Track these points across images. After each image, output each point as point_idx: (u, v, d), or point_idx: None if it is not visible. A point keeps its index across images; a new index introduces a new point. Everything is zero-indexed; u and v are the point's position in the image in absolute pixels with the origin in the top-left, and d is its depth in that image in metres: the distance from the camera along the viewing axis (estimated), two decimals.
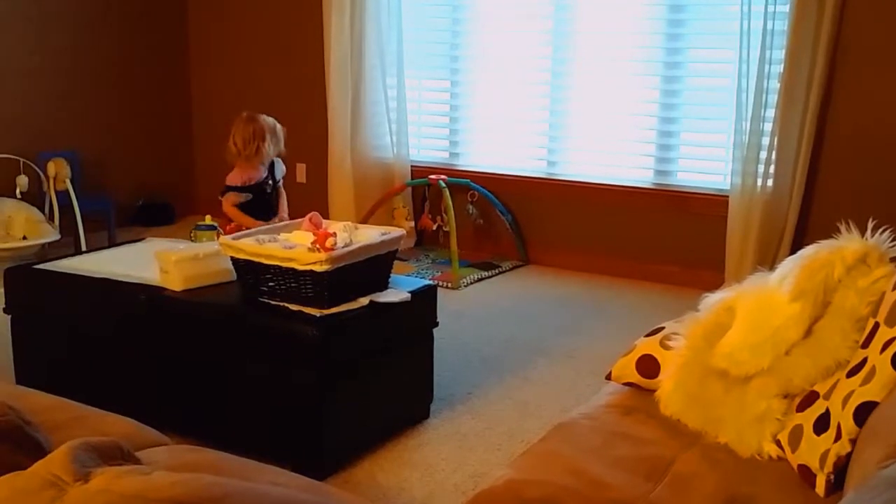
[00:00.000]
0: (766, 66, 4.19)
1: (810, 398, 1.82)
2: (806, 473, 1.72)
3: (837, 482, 1.65)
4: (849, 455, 1.63)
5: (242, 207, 3.52)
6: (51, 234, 4.75)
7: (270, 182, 3.60)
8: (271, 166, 3.62)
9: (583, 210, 4.91)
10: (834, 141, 4.24)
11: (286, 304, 2.62)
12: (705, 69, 4.69)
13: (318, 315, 2.55)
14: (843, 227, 1.95)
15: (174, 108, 5.99)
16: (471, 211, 5.09)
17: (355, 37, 5.15)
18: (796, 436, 1.78)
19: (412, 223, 5.29)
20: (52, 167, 4.91)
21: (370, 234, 2.80)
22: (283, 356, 2.59)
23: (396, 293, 2.78)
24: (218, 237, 3.10)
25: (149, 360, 2.84)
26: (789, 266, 1.97)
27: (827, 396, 1.77)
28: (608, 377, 2.25)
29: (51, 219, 4.90)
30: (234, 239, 2.71)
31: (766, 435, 1.85)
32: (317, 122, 5.31)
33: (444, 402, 3.15)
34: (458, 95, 5.34)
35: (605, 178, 4.86)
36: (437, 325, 3.01)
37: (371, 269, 2.72)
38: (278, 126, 3.57)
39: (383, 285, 2.80)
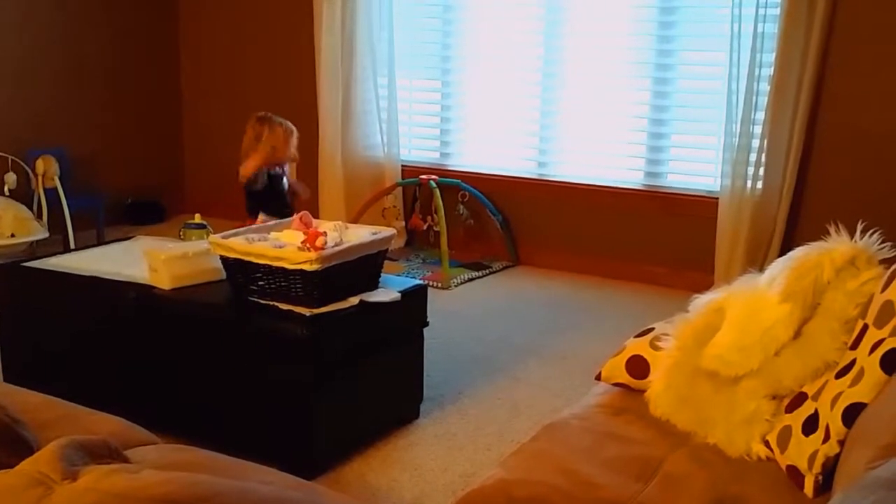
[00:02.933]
0: (757, 69, 4.21)
1: (799, 399, 1.83)
2: (794, 474, 1.73)
3: (826, 483, 1.66)
4: (837, 456, 1.64)
5: (262, 205, 3.47)
6: (39, 232, 4.72)
7: (285, 180, 3.58)
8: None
9: (573, 211, 4.92)
10: (823, 143, 4.26)
11: (276, 304, 2.61)
12: (696, 71, 4.71)
13: (307, 314, 2.54)
14: (832, 230, 1.96)
15: (164, 106, 5.97)
16: (461, 211, 5.09)
17: (346, 36, 5.15)
18: (785, 437, 1.79)
19: (402, 223, 5.29)
20: (40, 164, 4.89)
21: (360, 234, 2.79)
22: (272, 355, 2.58)
23: (386, 293, 2.77)
24: (207, 236, 3.09)
25: (137, 358, 2.83)
26: (779, 268, 1.97)
27: (816, 397, 1.78)
28: (598, 377, 2.26)
29: (39, 216, 4.87)
30: (223, 238, 2.71)
31: (755, 436, 1.85)
32: (307, 121, 5.30)
33: (434, 403, 3.15)
34: (449, 96, 5.34)
35: (595, 179, 4.87)
36: (427, 324, 3.00)
37: (361, 268, 2.71)
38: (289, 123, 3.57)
39: (373, 285, 2.79)
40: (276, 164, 3.51)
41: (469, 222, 5.13)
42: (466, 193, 5.07)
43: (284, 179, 3.58)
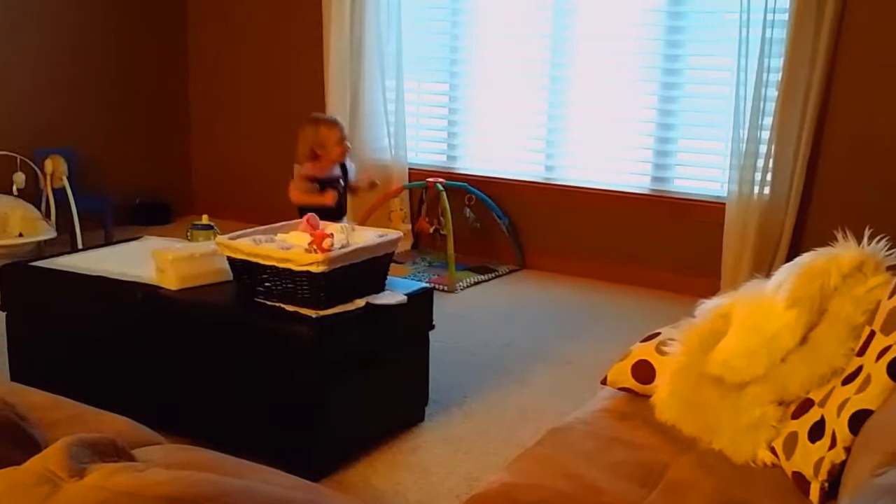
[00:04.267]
0: (765, 74, 4.20)
1: (805, 405, 1.82)
2: (800, 481, 1.72)
3: (832, 490, 1.66)
4: (843, 463, 1.63)
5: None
6: (47, 232, 4.74)
7: (342, 182, 3.61)
8: (344, 167, 3.63)
9: (580, 215, 4.92)
10: (831, 149, 4.25)
11: (282, 305, 2.61)
12: (704, 76, 4.70)
13: (314, 316, 2.55)
14: (839, 236, 1.95)
15: (172, 107, 5.99)
16: (468, 214, 5.10)
17: (354, 39, 5.16)
18: (791, 443, 1.78)
19: (409, 226, 5.29)
20: (49, 164, 4.91)
21: (367, 236, 2.80)
22: (278, 357, 2.59)
23: (393, 295, 2.77)
24: (214, 237, 3.10)
25: (144, 358, 2.84)
26: (785, 273, 1.97)
27: (822, 404, 1.77)
28: (604, 382, 2.25)
29: (47, 216, 4.89)
30: (230, 239, 2.71)
31: (760, 442, 1.85)
32: None
33: (440, 406, 3.15)
34: (456, 99, 5.35)
35: (602, 184, 4.87)
36: (433, 327, 3.01)
37: (368, 270, 2.72)
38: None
39: (380, 287, 2.80)
40: (329, 164, 3.53)
41: (476, 225, 5.13)
42: (473, 197, 5.08)
43: (336, 168, 3.58)
